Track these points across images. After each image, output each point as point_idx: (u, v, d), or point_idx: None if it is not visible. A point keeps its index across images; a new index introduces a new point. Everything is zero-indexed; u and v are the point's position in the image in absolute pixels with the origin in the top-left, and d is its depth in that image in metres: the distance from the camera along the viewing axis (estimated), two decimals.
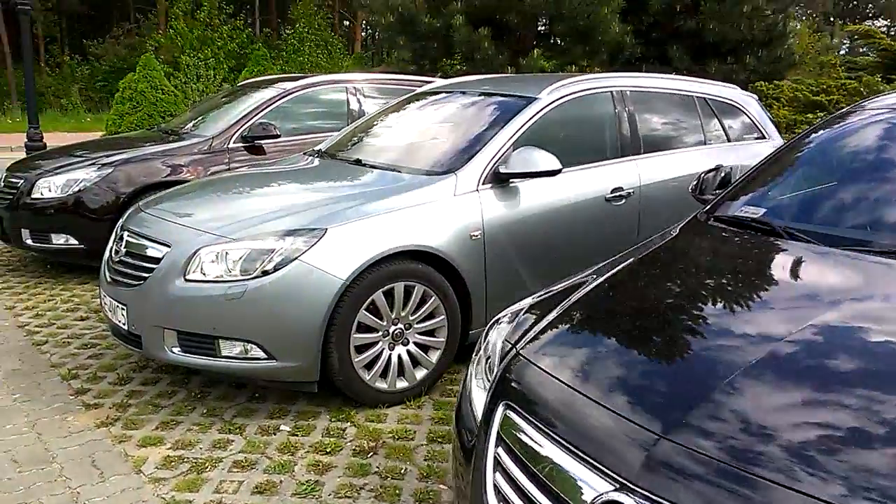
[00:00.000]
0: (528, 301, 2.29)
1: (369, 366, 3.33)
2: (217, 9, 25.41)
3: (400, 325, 3.40)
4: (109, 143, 6.22)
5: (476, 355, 2.16)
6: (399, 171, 3.76)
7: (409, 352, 3.45)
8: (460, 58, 8.43)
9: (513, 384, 1.82)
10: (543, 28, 8.72)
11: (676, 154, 4.51)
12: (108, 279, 3.53)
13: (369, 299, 3.24)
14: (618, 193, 4.07)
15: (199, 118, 6.56)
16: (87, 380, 3.74)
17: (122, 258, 3.48)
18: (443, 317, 3.49)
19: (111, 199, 5.29)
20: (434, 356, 3.52)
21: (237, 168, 5.72)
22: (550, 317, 2.02)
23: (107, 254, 3.77)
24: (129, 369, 3.87)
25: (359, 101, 6.48)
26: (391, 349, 3.40)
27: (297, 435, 3.17)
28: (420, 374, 3.48)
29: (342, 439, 3.13)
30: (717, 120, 4.86)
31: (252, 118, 5.93)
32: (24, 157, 6.16)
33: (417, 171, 3.72)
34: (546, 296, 2.27)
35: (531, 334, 1.96)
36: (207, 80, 24.74)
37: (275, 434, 3.18)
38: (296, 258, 3.11)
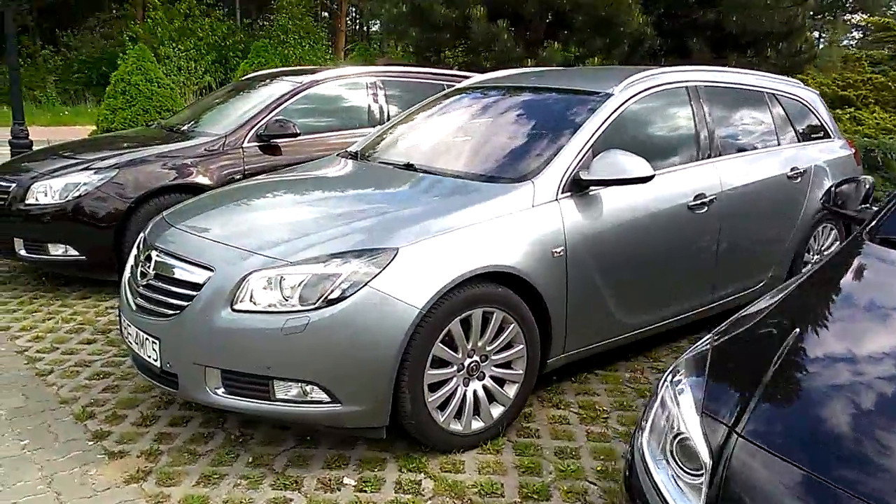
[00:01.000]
0: (704, 347, 1.84)
1: (442, 406, 2.88)
2: None
3: (476, 358, 2.95)
4: (108, 143, 5.66)
5: (648, 419, 1.74)
6: (463, 179, 3.30)
7: (484, 387, 3.00)
8: (473, 50, 7.97)
9: (748, 487, 1.42)
10: (561, 19, 8.27)
11: (753, 155, 4.11)
12: (133, 306, 3.03)
13: (445, 329, 2.79)
14: (700, 200, 3.65)
15: (204, 114, 6.03)
16: (106, 420, 3.23)
17: (150, 282, 2.98)
18: (522, 346, 3.04)
19: (116, 206, 4.76)
20: (511, 391, 3.07)
21: (252, 169, 5.22)
22: (766, 379, 1.58)
23: (127, 273, 3.27)
24: (153, 405, 3.37)
25: (379, 96, 5.99)
26: (466, 385, 2.95)
27: (365, 491, 2.71)
28: (497, 411, 3.04)
29: (419, 496, 2.68)
30: (787, 118, 4.46)
31: (268, 114, 5.42)
32: (12, 158, 5.58)
33: (485, 178, 3.26)
34: (725, 340, 1.82)
35: (751, 410, 1.52)
36: (189, 72, 24.00)
37: (339, 490, 2.71)
38: (365, 284, 2.64)
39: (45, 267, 5.06)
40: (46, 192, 4.78)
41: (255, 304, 2.68)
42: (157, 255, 3.00)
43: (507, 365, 3.05)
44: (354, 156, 4.05)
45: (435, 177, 3.39)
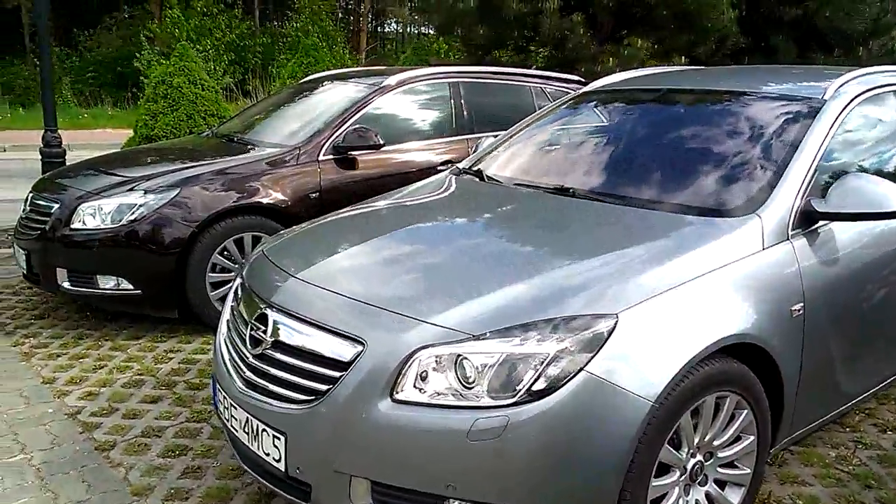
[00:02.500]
0: None
1: None
2: None
3: (699, 457, 2.20)
4: (159, 155, 4.94)
5: None
6: (658, 210, 2.55)
7: (707, 495, 2.26)
8: (547, 45, 7.25)
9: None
10: (635, 14, 7.52)
11: None
12: (241, 381, 2.29)
13: (675, 425, 2.04)
14: None
15: (262, 122, 5.30)
16: None
17: (267, 352, 2.23)
18: (752, 438, 2.30)
19: (178, 231, 4.03)
20: (735, 497, 2.32)
21: (329, 187, 4.50)
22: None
23: (224, 329, 2.54)
24: (252, 500, 2.64)
25: (464, 100, 5.24)
26: (686, 493, 2.20)
27: None
28: None
29: None
30: None
31: (345, 122, 4.68)
32: (50, 173, 4.86)
33: (694, 210, 2.50)
34: None
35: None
36: (208, 72, 23.39)
37: None
38: (581, 369, 1.89)
39: (93, 302, 4.34)
40: (95, 214, 4.05)
41: (425, 393, 1.94)
42: (277, 316, 2.25)
43: (731, 463, 2.30)
44: (477, 174, 3.30)
45: (612, 207, 2.64)
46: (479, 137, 5.17)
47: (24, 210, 4.48)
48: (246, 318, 2.39)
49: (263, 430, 2.16)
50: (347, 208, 3.16)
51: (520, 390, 1.87)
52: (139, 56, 22.54)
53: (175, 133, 6.49)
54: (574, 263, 2.20)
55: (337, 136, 4.61)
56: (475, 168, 3.40)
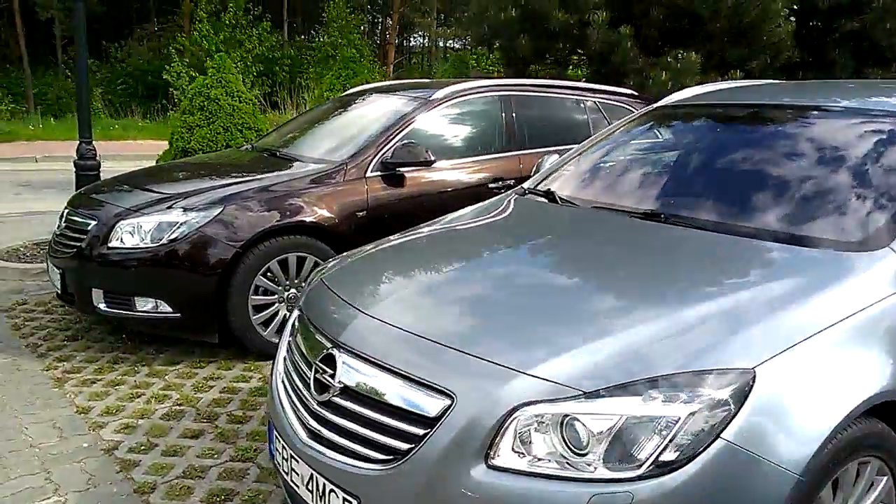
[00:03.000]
0: None
1: None
2: (243, 10, 24.24)
3: None
4: (199, 169, 4.73)
5: None
6: (777, 241, 2.24)
7: None
8: (589, 57, 6.99)
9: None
10: (684, 27, 7.24)
11: None
12: (305, 433, 2.01)
13: (815, 498, 1.74)
14: None
15: (303, 136, 5.08)
16: None
17: (336, 399, 1.96)
18: None
19: (220, 251, 3.79)
20: None
21: (377, 205, 4.25)
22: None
23: (280, 368, 2.29)
24: None
25: (514, 114, 4.98)
26: None
27: None
28: None
29: None
30: None
31: (394, 137, 4.44)
32: (86, 188, 4.66)
33: (812, 242, 2.19)
34: None
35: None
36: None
37: None
38: (718, 436, 1.60)
39: (130, 325, 4.12)
40: (134, 232, 3.84)
41: (525, 457, 1.66)
42: (346, 358, 1.99)
43: None
44: (547, 195, 3.01)
45: (717, 236, 2.35)
46: (531, 154, 4.96)
47: (58, 226, 4.28)
48: (309, 358, 2.13)
49: (331, 490, 1.89)
50: (410, 231, 2.89)
51: (646, 461, 1.59)
52: (168, 68, 22.66)
53: (212, 146, 6.31)
54: (697, 305, 1.90)
55: (385, 152, 4.36)
56: (544, 188, 3.11)
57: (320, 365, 2.04)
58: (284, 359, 2.32)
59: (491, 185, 4.72)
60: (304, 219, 4.01)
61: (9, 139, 14.61)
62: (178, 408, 3.44)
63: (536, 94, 5.20)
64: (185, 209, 3.85)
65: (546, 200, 2.98)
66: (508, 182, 4.76)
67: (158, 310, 3.84)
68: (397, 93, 5.09)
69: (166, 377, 3.79)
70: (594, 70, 7.28)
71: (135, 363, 3.96)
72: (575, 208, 2.86)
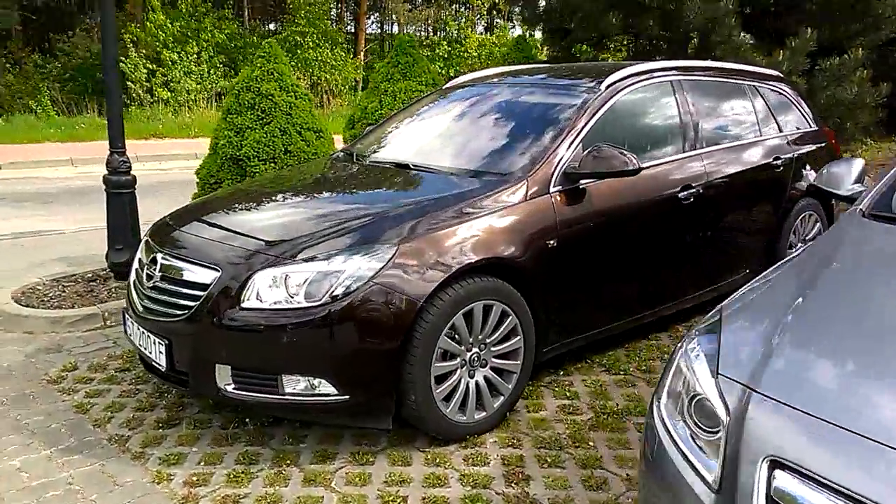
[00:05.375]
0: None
1: None
2: None
3: None
4: (317, 190, 3.64)
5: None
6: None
7: None
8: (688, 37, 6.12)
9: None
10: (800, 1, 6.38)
11: None
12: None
13: None
14: None
15: (426, 141, 4.04)
16: None
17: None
18: None
19: (402, 307, 2.75)
20: None
21: (569, 231, 3.28)
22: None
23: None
24: None
25: (691, 106, 4.06)
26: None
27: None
28: None
29: None
30: None
31: (572, 140, 3.45)
32: (175, 219, 3.48)
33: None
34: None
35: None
36: (201, 76, 21.91)
37: None
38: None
39: (272, 411, 3.04)
40: (278, 285, 2.76)
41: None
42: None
43: None
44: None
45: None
46: (712, 153, 4.06)
47: (147, 273, 3.14)
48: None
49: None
50: None
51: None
52: (125, 60, 20.98)
53: (268, 152, 5.17)
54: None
55: (566, 160, 3.38)
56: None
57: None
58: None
59: (681, 196, 3.80)
60: (497, 254, 3.01)
61: None
62: None
63: (704, 78, 4.28)
64: (348, 253, 2.78)
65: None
66: (697, 190, 3.85)
67: (316, 391, 2.78)
68: (539, 84, 4.10)
69: (333, 484, 2.74)
70: (696, 49, 6.39)
71: (277, 462, 2.89)
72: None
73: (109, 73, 4.75)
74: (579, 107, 3.60)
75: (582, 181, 3.38)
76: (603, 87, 3.71)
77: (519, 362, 3.21)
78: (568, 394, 3.54)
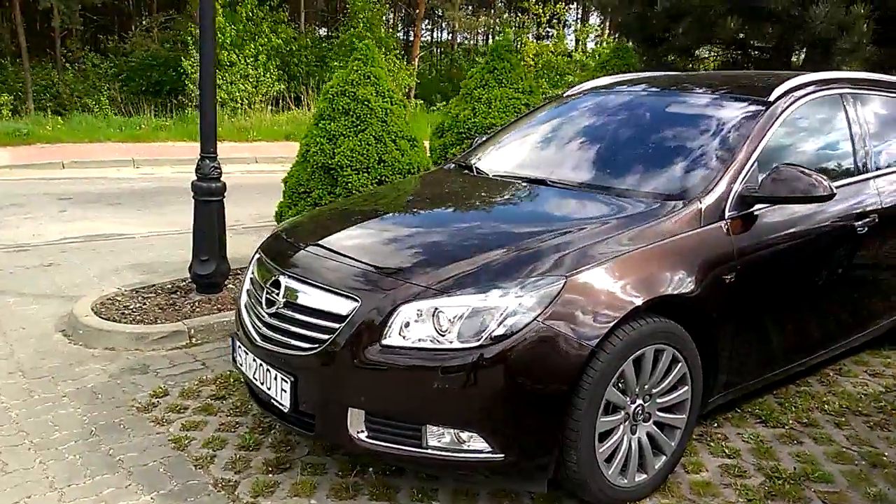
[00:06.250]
0: None
1: None
2: (259, 0, 22.76)
3: None
4: (446, 204, 3.24)
5: None
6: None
7: None
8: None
9: None
10: None
11: None
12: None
13: None
14: None
15: (558, 155, 3.60)
16: None
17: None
18: None
19: (570, 352, 2.31)
20: None
21: (748, 263, 2.81)
22: None
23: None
24: None
25: (859, 121, 3.57)
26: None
27: None
28: None
29: None
30: None
31: (745, 160, 2.98)
32: (289, 234, 3.09)
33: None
34: None
35: None
36: (257, 80, 21.88)
37: None
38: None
39: (409, 465, 2.63)
40: (426, 320, 2.35)
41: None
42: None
43: None
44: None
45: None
46: (884, 175, 3.56)
47: (267, 297, 2.74)
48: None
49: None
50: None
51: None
52: (185, 59, 21.05)
53: (362, 161, 4.80)
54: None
55: (743, 181, 2.91)
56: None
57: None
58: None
59: (857, 224, 3.30)
60: (673, 291, 2.55)
61: (27, 141, 12.91)
62: None
63: (874, 92, 3.77)
64: (508, 286, 2.35)
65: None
66: (873, 219, 3.35)
67: (464, 446, 2.36)
68: (687, 92, 3.63)
69: None
70: (807, 58, 5.88)
71: None
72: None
73: (206, 70, 4.42)
74: (749, 121, 3.13)
75: (757, 206, 2.92)
76: (773, 98, 3.24)
77: (684, 416, 2.76)
78: (727, 451, 3.06)
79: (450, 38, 27.66)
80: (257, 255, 3.04)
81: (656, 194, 2.92)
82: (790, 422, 3.34)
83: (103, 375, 3.70)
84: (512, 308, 2.31)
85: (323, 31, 28.94)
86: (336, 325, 2.44)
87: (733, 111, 3.25)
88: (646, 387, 2.60)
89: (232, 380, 3.63)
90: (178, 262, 5.89)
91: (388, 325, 2.36)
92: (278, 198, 5.36)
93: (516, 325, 2.29)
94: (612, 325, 2.37)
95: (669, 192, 2.91)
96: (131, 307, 4.50)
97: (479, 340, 2.29)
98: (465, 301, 2.34)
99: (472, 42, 27.18)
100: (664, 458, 2.73)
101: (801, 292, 3.17)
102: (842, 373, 3.92)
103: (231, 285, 4.91)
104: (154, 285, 4.95)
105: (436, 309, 2.35)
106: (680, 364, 2.66)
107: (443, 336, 2.32)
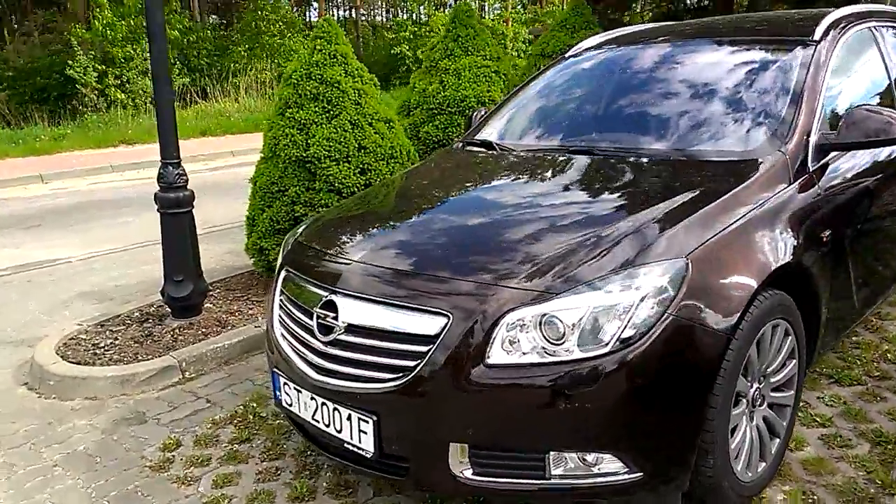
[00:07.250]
0: None
1: None
2: None
3: None
4: (505, 193, 2.81)
5: None
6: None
7: None
8: None
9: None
10: None
11: None
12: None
13: None
14: None
15: (595, 117, 3.26)
16: None
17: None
18: None
19: (707, 344, 2.00)
20: None
21: (838, 217, 2.57)
22: None
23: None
24: None
25: (891, 51, 3.39)
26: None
27: None
28: None
29: None
30: None
31: (812, 104, 2.73)
32: (317, 237, 2.60)
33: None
34: None
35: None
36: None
37: None
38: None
39: (526, 499, 2.24)
40: (533, 328, 1.96)
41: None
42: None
43: None
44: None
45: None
46: None
47: (319, 322, 2.25)
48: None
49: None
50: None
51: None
52: (72, 63, 19.56)
53: (340, 150, 4.31)
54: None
55: (817, 129, 2.66)
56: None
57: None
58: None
59: None
60: (786, 259, 2.27)
61: None
62: None
63: (891, 24, 3.59)
64: (627, 277, 2.00)
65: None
66: None
67: (594, 470, 2.01)
68: (717, 38, 3.34)
69: None
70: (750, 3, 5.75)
71: None
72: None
73: (159, 69, 3.81)
74: (802, 64, 2.87)
75: (832, 154, 2.67)
76: (818, 37, 2.99)
77: (793, 392, 2.51)
78: (818, 419, 2.85)
79: (350, 15, 26.73)
80: (283, 273, 2.57)
81: (730, 153, 2.62)
82: (862, 377, 3.17)
83: (94, 433, 3.13)
84: (637, 302, 1.96)
85: (214, 18, 27.41)
86: (423, 349, 2.02)
87: (781, 55, 2.98)
88: (762, 367, 2.33)
89: (250, 416, 3.15)
90: (131, 284, 5.26)
91: (491, 341, 1.97)
92: (218, 199, 4.78)
93: (646, 321, 1.94)
94: (744, 306, 2.06)
95: (744, 149, 2.62)
96: (102, 345, 3.89)
97: (605, 346, 1.93)
98: (580, 301, 1.97)
99: (377, 17, 26.40)
100: (777, 440, 2.47)
101: (874, 240, 2.98)
102: (882, 316, 3.81)
103: (209, 304, 4.35)
104: (119, 315, 4.33)
105: (545, 315, 1.97)
106: (790, 337, 2.40)
107: (559, 345, 1.95)
